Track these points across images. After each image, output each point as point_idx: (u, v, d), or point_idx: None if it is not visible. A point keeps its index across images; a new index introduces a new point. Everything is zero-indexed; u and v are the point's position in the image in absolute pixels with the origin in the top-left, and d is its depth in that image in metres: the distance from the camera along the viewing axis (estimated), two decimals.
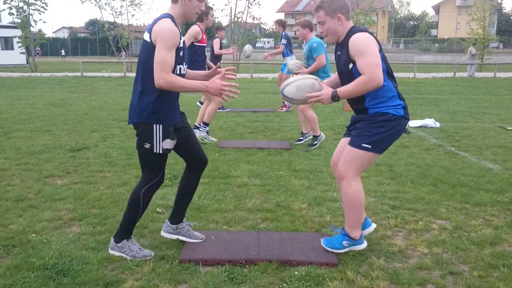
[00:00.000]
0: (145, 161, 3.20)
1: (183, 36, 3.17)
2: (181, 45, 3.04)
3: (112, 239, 3.30)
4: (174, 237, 3.45)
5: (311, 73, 6.58)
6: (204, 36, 6.80)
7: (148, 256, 3.23)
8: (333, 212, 4.12)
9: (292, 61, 7.32)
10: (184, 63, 3.15)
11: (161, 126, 3.07)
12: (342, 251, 3.25)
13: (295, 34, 7.14)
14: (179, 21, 3.09)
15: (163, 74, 2.89)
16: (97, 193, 4.59)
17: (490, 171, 5.47)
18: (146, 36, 2.99)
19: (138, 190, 3.19)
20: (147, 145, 3.09)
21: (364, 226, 3.42)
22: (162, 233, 3.48)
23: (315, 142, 6.77)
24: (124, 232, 3.26)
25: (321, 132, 6.88)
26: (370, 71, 2.89)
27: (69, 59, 53.40)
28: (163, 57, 2.89)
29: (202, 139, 6.95)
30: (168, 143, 3.13)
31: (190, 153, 3.34)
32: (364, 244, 3.29)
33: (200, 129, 7.08)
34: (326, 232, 3.68)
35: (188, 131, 3.32)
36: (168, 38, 2.91)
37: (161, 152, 3.10)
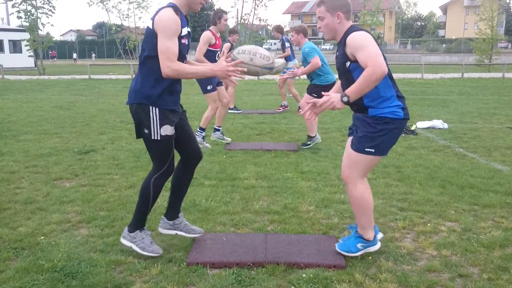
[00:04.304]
0: (149, 150, 3.21)
1: (188, 27, 3.16)
2: (184, 33, 3.04)
3: (125, 228, 3.31)
4: (173, 232, 3.44)
5: (309, 74, 6.58)
6: (217, 41, 6.67)
7: (156, 252, 3.24)
8: (341, 214, 4.11)
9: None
10: (187, 51, 3.17)
11: (157, 109, 3.05)
12: (358, 253, 3.23)
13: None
14: (183, 10, 3.10)
15: (168, 63, 2.91)
16: (105, 196, 4.61)
17: (499, 173, 5.43)
18: (149, 23, 3.03)
19: (148, 179, 3.20)
20: (145, 131, 3.09)
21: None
22: (160, 229, 3.48)
23: (309, 143, 6.73)
24: (138, 222, 3.27)
25: (318, 134, 6.81)
26: (372, 61, 2.84)
27: (78, 62, 53.69)
28: (166, 46, 2.91)
29: (216, 140, 7.01)
30: (167, 130, 3.10)
31: (185, 147, 3.33)
32: (378, 245, 3.28)
33: (196, 134, 7.03)
34: (334, 235, 3.66)
35: (185, 124, 3.31)
36: (168, 26, 2.93)
37: (159, 138, 3.08)
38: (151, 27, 3.00)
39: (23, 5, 28.72)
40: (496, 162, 5.94)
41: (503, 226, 3.82)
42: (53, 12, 29.70)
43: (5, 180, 5.16)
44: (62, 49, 69.03)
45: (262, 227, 3.85)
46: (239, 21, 29.77)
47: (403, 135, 7.55)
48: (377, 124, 3.05)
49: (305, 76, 6.69)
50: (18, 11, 28.81)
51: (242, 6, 31.78)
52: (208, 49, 6.63)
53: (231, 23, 32.40)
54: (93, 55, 28.35)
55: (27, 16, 28.94)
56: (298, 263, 3.14)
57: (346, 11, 3.09)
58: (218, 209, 4.23)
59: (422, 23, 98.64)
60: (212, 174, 5.34)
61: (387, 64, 2.94)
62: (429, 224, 3.88)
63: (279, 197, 4.60)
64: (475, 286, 2.88)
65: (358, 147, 3.12)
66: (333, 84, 6.64)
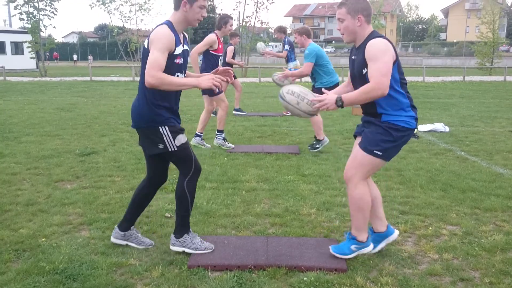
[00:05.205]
0: (171, 160, 3.27)
1: (186, 45, 3.20)
2: (178, 52, 3.07)
3: (172, 236, 3.36)
4: (123, 243, 3.46)
5: (312, 75, 6.59)
6: (220, 46, 6.74)
7: (209, 248, 3.30)
8: (342, 217, 4.10)
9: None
10: (183, 71, 3.20)
11: (166, 127, 3.12)
12: (351, 256, 3.24)
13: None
14: (180, 27, 3.14)
15: (153, 72, 2.92)
16: (106, 198, 4.61)
17: (500, 176, 5.42)
18: (145, 43, 3.07)
19: (181, 184, 3.26)
20: (160, 146, 3.14)
21: (387, 234, 3.40)
22: (111, 239, 3.50)
23: (317, 146, 6.74)
24: (183, 227, 3.32)
25: (325, 137, 6.81)
26: (377, 79, 2.86)
27: (78, 64, 53.80)
28: (155, 58, 2.94)
29: (220, 146, 6.98)
30: (180, 139, 3.17)
31: (156, 167, 3.37)
32: (371, 246, 3.29)
33: (216, 137, 7.09)
34: (335, 238, 3.66)
35: None
36: (160, 40, 2.97)
37: (176, 149, 3.15)
38: (146, 46, 3.03)
39: (25, 7, 28.83)
40: (497, 166, 5.93)
41: (504, 230, 3.82)
42: (55, 14, 29.78)
43: (7, 181, 5.17)
44: (64, 51, 69.24)
45: (263, 230, 3.85)
46: (241, 24, 29.80)
47: None
48: (391, 130, 3.04)
49: (308, 78, 6.70)
50: (20, 13, 28.90)
51: (244, 9, 31.75)
52: (211, 54, 6.67)
53: (232, 25, 32.36)
54: (90, 57, 28.20)
55: (29, 18, 29.01)
56: (299, 266, 3.13)
57: (367, 15, 3.07)
58: (219, 212, 4.23)
59: (424, 26, 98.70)
60: (213, 177, 5.34)
61: (401, 72, 2.94)
62: (430, 228, 3.88)
63: (280, 200, 4.60)
64: None
65: (367, 147, 3.10)
66: (336, 85, 6.65)
